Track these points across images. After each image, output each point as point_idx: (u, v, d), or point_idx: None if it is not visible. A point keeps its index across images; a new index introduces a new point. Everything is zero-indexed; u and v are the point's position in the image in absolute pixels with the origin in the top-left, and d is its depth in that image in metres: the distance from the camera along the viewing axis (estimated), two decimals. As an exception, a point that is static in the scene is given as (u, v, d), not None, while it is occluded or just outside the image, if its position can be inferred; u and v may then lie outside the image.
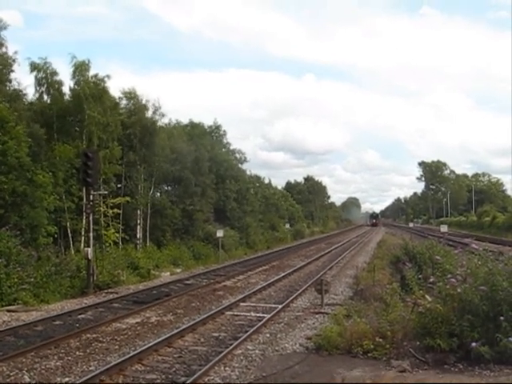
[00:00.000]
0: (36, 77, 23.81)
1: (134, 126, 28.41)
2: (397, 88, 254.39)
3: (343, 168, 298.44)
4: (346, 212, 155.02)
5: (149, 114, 30.17)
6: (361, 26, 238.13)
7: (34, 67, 23.58)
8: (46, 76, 23.90)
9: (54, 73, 24.08)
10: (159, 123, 31.22)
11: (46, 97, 24.37)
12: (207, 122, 48.13)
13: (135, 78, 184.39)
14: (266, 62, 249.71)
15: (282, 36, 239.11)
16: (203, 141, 40.03)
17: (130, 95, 29.42)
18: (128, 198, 26.49)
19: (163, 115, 31.78)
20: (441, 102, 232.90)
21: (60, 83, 24.40)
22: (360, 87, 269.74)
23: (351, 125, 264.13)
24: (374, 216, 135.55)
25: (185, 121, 43.33)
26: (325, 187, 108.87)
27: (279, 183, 74.68)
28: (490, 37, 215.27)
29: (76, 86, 24.69)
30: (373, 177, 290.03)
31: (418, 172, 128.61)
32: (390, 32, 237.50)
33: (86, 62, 24.87)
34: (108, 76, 25.51)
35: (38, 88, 24.08)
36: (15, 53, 23.04)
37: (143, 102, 29.70)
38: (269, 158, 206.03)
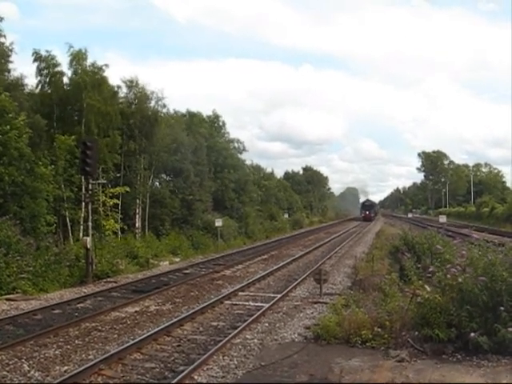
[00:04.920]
0: (38, 67, 24.10)
1: (134, 115, 28.29)
2: (393, 78, 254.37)
3: (340, 158, 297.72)
4: (346, 202, 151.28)
5: (151, 103, 30.12)
6: (358, 15, 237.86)
7: (36, 57, 23.90)
8: (47, 66, 24.06)
9: (55, 64, 24.37)
10: (160, 114, 31.17)
11: (46, 86, 24.52)
12: (205, 111, 48.11)
13: (133, 68, 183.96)
14: (264, 52, 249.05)
15: (281, 25, 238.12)
16: (201, 130, 39.96)
17: (132, 84, 29.28)
18: (127, 188, 26.43)
19: (165, 106, 31.78)
20: (437, 91, 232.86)
21: (61, 73, 24.64)
22: (356, 77, 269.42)
23: (348, 114, 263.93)
24: (367, 205, 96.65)
25: (183, 110, 43.33)
26: (326, 177, 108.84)
27: (277, 173, 74.37)
28: (484, 27, 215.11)
29: (74, 75, 24.73)
30: (370, 167, 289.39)
31: (417, 162, 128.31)
32: (386, 21, 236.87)
33: (83, 51, 25.02)
34: (106, 65, 25.60)
35: (39, 78, 24.39)
36: (12, 43, 23.10)
37: (145, 91, 29.60)
38: (266, 148, 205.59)
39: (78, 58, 24.71)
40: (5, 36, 22.38)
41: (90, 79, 24.28)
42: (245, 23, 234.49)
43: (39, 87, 24.64)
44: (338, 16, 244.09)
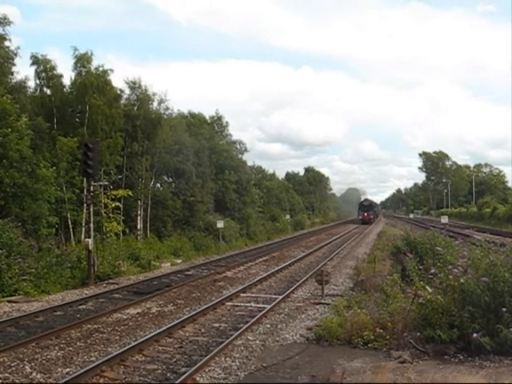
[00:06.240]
0: (36, 70, 24.28)
1: (137, 117, 28.33)
2: (393, 79, 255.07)
3: (341, 159, 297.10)
4: (347, 203, 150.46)
5: (153, 105, 30.21)
6: (357, 17, 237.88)
7: (34, 61, 24.04)
8: (45, 69, 24.20)
9: (53, 67, 24.52)
10: (164, 115, 31.25)
11: (45, 89, 24.68)
12: (206, 112, 48.15)
13: (134, 69, 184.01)
14: (264, 53, 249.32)
15: (279, 26, 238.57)
16: (202, 130, 39.97)
17: (134, 85, 29.33)
18: (130, 192, 26.43)
19: (167, 108, 31.86)
20: (436, 93, 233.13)
21: (59, 76, 24.78)
22: (356, 78, 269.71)
23: (348, 116, 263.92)
24: (365, 206, 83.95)
25: (184, 111, 43.40)
26: (327, 178, 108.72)
27: (278, 174, 74.25)
28: (484, 28, 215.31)
29: (77, 77, 24.84)
30: (371, 168, 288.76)
31: (418, 163, 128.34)
32: (386, 23, 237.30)
33: (89, 53, 25.25)
34: (111, 70, 25.91)
35: (38, 81, 24.57)
36: (18, 48, 23.34)
37: (148, 93, 29.67)
38: (266, 149, 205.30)
39: (82, 60, 24.85)
40: (10, 39, 22.60)
41: (95, 81, 24.40)
42: (244, 25, 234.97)
43: (38, 90, 24.80)
44: (336, 18, 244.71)
